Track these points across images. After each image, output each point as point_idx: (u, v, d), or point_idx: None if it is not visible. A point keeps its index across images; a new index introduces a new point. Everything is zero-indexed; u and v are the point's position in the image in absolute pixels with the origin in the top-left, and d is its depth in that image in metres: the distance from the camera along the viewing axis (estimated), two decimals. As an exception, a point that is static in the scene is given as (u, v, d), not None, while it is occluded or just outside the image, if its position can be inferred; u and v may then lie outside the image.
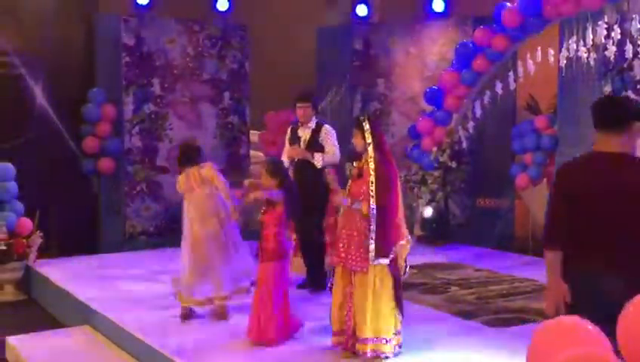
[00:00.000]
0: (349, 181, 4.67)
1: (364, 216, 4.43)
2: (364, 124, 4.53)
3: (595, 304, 2.81)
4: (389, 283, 4.48)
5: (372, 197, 4.40)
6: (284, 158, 6.17)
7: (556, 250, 3.15)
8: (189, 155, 5.55)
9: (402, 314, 4.57)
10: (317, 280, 6.14)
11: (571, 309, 2.94)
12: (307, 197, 5.44)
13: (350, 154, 5.49)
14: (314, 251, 6.18)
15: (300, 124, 6.23)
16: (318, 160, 6.06)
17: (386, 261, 4.44)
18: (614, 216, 3.04)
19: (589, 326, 2.17)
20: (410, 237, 4.65)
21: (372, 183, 4.40)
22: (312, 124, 6.18)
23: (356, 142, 4.58)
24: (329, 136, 6.14)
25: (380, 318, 4.45)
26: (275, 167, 4.99)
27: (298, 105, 6.16)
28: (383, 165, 4.49)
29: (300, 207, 5.07)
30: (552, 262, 3.14)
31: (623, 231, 3.02)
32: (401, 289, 4.60)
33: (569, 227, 3.11)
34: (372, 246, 4.38)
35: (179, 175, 5.58)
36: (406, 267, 4.64)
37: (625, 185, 3.04)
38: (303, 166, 6.11)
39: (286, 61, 9.70)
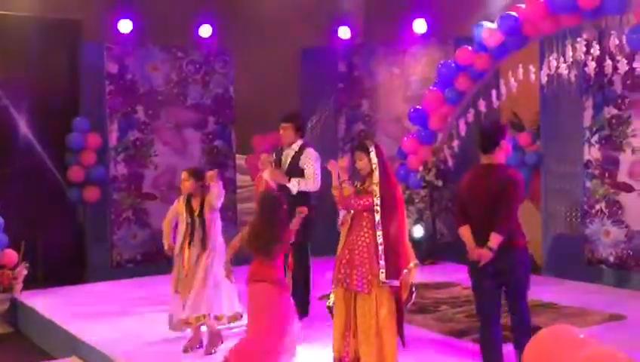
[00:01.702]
0: (353, 201, 4.58)
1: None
2: (369, 146, 4.54)
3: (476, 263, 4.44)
4: (392, 307, 4.44)
5: (377, 212, 4.39)
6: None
7: (464, 224, 4.53)
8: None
9: (403, 342, 4.50)
10: (302, 306, 5.89)
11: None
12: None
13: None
14: (299, 276, 6.04)
15: (284, 147, 6.20)
16: (293, 185, 5.89)
17: (396, 283, 4.39)
18: (485, 204, 4.42)
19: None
20: (417, 261, 4.61)
21: (377, 205, 4.40)
22: (296, 147, 6.09)
23: (361, 165, 4.56)
24: (309, 159, 5.98)
25: (384, 344, 4.40)
26: (271, 201, 4.77)
27: (281, 125, 6.13)
28: (388, 186, 4.50)
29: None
30: (464, 232, 4.53)
31: (483, 211, 4.43)
32: (403, 316, 4.54)
33: (466, 211, 4.56)
34: (383, 267, 4.33)
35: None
36: (413, 290, 4.57)
37: (491, 185, 4.45)
38: (283, 189, 6.01)
39: (271, 84, 9.72)
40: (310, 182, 5.95)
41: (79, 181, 8.63)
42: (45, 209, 8.43)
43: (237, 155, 9.86)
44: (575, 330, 2.38)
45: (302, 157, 6.00)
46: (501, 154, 4.59)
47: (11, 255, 7.46)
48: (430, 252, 8.78)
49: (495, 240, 4.32)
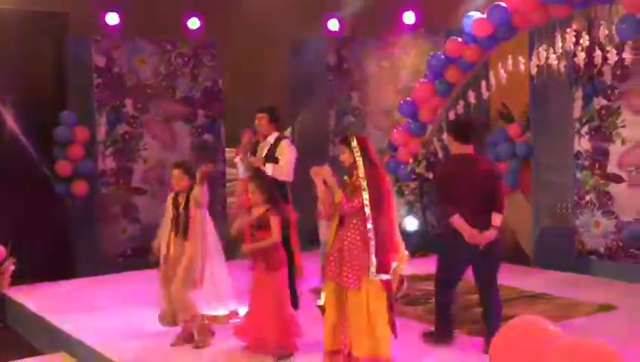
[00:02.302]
0: (342, 196, 4.57)
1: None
2: (350, 140, 4.51)
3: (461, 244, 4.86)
4: (383, 300, 4.42)
5: (367, 206, 4.35)
6: (239, 163, 6.18)
7: (455, 214, 4.82)
8: None
9: (395, 334, 4.49)
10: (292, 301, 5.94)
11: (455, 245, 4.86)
12: None
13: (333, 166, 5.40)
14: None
15: (259, 138, 6.17)
16: (267, 169, 5.92)
17: (386, 276, 4.39)
18: (470, 193, 4.83)
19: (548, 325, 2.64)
20: (407, 252, 4.59)
21: (366, 200, 4.36)
22: (271, 138, 6.13)
23: (344, 158, 4.55)
24: (285, 150, 6.04)
25: (377, 337, 4.39)
26: (262, 181, 5.05)
27: (256, 115, 6.16)
28: (376, 179, 4.46)
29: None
30: (458, 220, 4.82)
31: (474, 199, 4.82)
32: (395, 308, 4.53)
33: (449, 200, 4.88)
34: (373, 261, 4.31)
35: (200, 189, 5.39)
36: (403, 280, 4.60)
37: (474, 173, 4.86)
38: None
39: (260, 77, 9.67)
40: (284, 170, 5.97)
41: (67, 175, 8.56)
42: (33, 203, 8.34)
43: (226, 149, 9.80)
44: (545, 321, 2.38)
45: (278, 149, 6.04)
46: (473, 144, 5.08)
47: (-1, 250, 7.39)
48: (420, 244, 8.75)
49: (498, 219, 4.82)
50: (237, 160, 6.30)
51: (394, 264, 4.44)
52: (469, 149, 4.99)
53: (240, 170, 6.32)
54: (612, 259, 7.44)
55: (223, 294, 5.32)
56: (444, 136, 8.35)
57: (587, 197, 7.65)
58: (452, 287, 5.17)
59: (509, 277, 7.25)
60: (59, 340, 6.03)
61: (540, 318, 2.35)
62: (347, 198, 4.46)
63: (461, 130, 5.05)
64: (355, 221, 4.45)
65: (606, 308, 6.04)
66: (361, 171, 4.42)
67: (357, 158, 4.45)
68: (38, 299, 7.08)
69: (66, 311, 6.54)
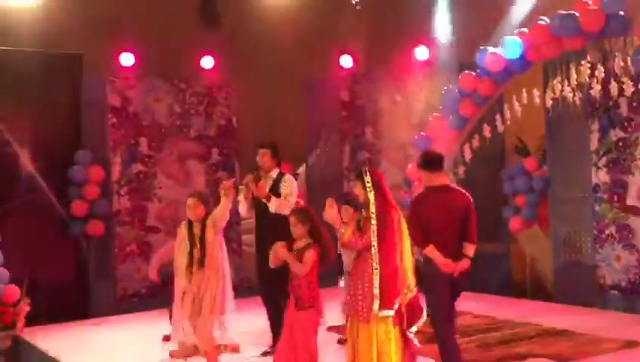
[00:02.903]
0: (353, 231, 4.55)
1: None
2: (364, 175, 4.55)
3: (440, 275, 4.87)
4: (391, 338, 4.36)
5: (374, 246, 4.33)
6: (242, 202, 6.08)
7: (429, 244, 4.83)
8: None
9: None
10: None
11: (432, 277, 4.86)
12: (271, 245, 5.30)
13: (345, 197, 5.36)
14: (279, 306, 5.91)
15: (261, 173, 6.13)
16: (273, 204, 5.90)
17: (390, 313, 4.33)
18: (446, 223, 4.86)
19: None
20: (415, 286, 4.54)
21: (374, 235, 4.33)
22: (274, 174, 6.11)
23: (357, 192, 4.61)
24: (290, 184, 6.05)
25: None
26: (304, 215, 4.87)
27: (258, 151, 6.13)
28: (385, 212, 4.45)
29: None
30: (433, 251, 4.84)
31: (449, 229, 4.87)
32: (411, 341, 4.43)
33: (425, 231, 4.86)
34: (376, 297, 4.28)
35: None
36: (422, 311, 4.55)
37: (451, 204, 4.93)
38: (266, 213, 5.98)
39: (273, 114, 9.69)
40: (290, 204, 5.89)
41: (82, 215, 8.55)
42: (48, 243, 8.33)
43: (240, 187, 9.78)
44: None
45: (281, 184, 6.03)
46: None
47: (13, 291, 7.36)
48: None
49: (471, 249, 4.89)
50: (240, 198, 6.21)
51: (397, 299, 4.41)
52: (444, 180, 5.11)
53: (242, 209, 6.23)
54: (635, 294, 7.27)
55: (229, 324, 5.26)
56: (460, 169, 8.32)
57: (607, 231, 7.52)
58: (451, 322, 5.05)
59: (530, 313, 7.14)
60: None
61: None
62: (360, 233, 4.46)
63: (431, 161, 5.09)
64: (368, 255, 4.45)
65: (630, 344, 5.88)
66: (371, 206, 4.41)
67: (369, 194, 4.45)
68: (53, 341, 7.00)
69: (81, 352, 6.46)
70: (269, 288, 5.81)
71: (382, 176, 4.68)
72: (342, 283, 5.94)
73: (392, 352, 4.35)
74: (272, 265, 4.84)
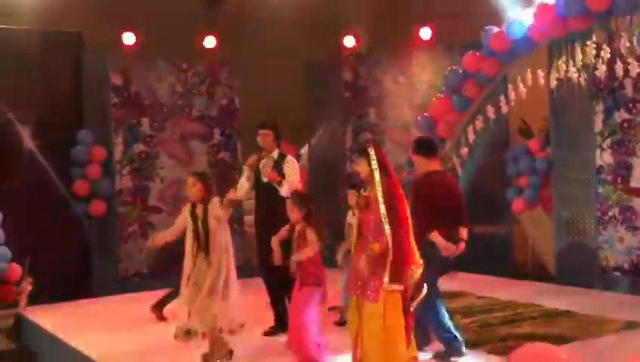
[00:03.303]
0: (356, 212, 4.53)
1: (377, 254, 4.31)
2: (369, 150, 4.44)
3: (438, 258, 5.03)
4: (400, 313, 4.34)
5: (385, 222, 4.29)
6: (244, 183, 6.01)
7: (433, 230, 4.98)
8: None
9: (409, 339, 4.39)
10: (284, 321, 5.75)
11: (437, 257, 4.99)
12: (271, 227, 5.28)
13: (352, 181, 5.39)
14: (279, 287, 5.88)
15: (262, 155, 6.10)
16: (284, 187, 5.88)
17: (400, 287, 4.31)
18: (446, 208, 5.07)
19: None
20: (421, 262, 4.50)
21: (383, 212, 4.30)
22: (275, 155, 6.09)
23: (360, 169, 4.49)
24: (293, 166, 6.05)
25: (392, 353, 4.29)
26: (301, 200, 4.94)
27: (259, 132, 6.09)
28: (391, 190, 4.39)
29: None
30: (437, 236, 4.99)
31: (449, 217, 5.08)
32: (413, 320, 4.44)
33: (427, 216, 4.94)
34: (387, 272, 4.26)
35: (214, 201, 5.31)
36: (422, 288, 4.48)
37: (447, 189, 5.20)
38: (266, 194, 5.96)
39: (276, 95, 9.63)
40: (294, 186, 5.90)
41: (84, 195, 8.55)
42: (50, 223, 8.33)
43: (243, 167, 9.74)
44: (559, 352, 2.26)
45: (285, 165, 6.01)
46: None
47: (15, 270, 7.37)
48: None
49: (465, 232, 5.15)
50: (242, 179, 6.15)
51: (408, 273, 4.37)
52: (438, 165, 5.31)
53: (242, 191, 6.16)
54: (637, 276, 7.26)
55: (234, 309, 5.23)
56: (463, 151, 8.28)
57: (610, 213, 7.50)
58: (441, 300, 5.27)
59: (531, 295, 7.14)
60: (75, 360, 5.96)
61: (555, 348, 2.23)
62: (363, 213, 4.44)
63: (429, 146, 5.32)
64: (372, 236, 4.39)
65: (632, 326, 5.88)
66: (377, 183, 4.35)
67: (374, 169, 4.38)
68: (55, 320, 7.02)
69: (83, 331, 6.47)
70: (270, 272, 5.75)
71: (384, 151, 4.63)
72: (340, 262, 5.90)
73: (401, 327, 4.32)
74: (276, 262, 4.92)
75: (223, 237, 5.19)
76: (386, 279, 4.26)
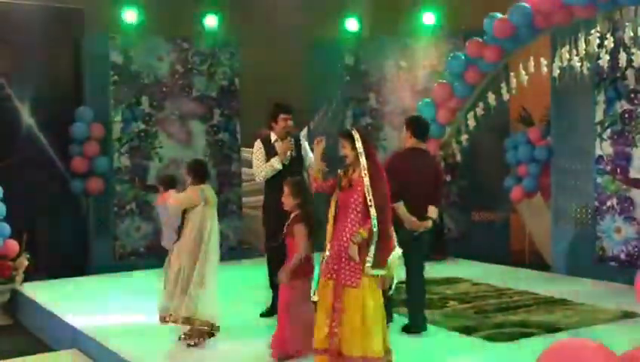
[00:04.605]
0: (338, 191, 4.51)
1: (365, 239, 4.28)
2: (353, 134, 4.42)
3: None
4: (379, 297, 4.34)
5: (371, 206, 4.27)
6: (276, 165, 5.91)
7: (400, 200, 5.06)
8: (205, 172, 5.41)
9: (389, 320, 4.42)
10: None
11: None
12: (281, 212, 5.24)
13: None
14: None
15: (275, 139, 6.02)
16: (311, 159, 5.73)
17: (382, 271, 4.31)
18: (418, 184, 5.20)
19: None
20: (399, 250, 4.49)
21: (369, 195, 4.27)
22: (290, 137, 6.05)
23: (346, 152, 4.46)
24: (306, 146, 6.10)
25: (370, 337, 4.27)
26: (297, 188, 4.88)
27: (283, 116, 5.97)
28: (376, 175, 4.37)
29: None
30: (401, 207, 5.12)
31: (421, 192, 5.22)
32: (388, 302, 4.44)
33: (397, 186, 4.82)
34: (370, 257, 4.24)
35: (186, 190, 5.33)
36: (393, 281, 4.46)
37: (426, 167, 5.33)
38: (279, 185, 5.89)
39: (276, 76, 9.59)
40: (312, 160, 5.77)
41: (82, 172, 8.53)
42: (48, 200, 8.33)
43: (242, 148, 9.73)
44: (606, 351, 2.22)
45: (302, 145, 6.07)
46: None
47: (13, 245, 7.36)
48: (437, 247, 8.63)
49: (434, 211, 5.29)
50: (277, 162, 5.99)
51: (389, 260, 4.36)
52: (423, 145, 5.45)
53: (268, 174, 5.98)
54: (633, 266, 7.28)
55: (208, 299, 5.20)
56: (463, 137, 8.27)
57: (608, 203, 7.51)
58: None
59: (527, 283, 7.16)
60: (70, 337, 5.97)
61: (601, 346, 2.20)
62: (343, 194, 4.40)
63: (423, 129, 5.45)
64: (352, 216, 4.34)
65: (628, 315, 5.90)
66: (363, 167, 4.33)
67: (360, 153, 4.36)
68: (51, 296, 7.02)
69: (79, 308, 6.48)
70: (274, 255, 5.69)
71: (370, 136, 4.66)
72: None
73: (378, 316, 4.31)
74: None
75: (196, 223, 5.13)
76: (368, 264, 4.25)
